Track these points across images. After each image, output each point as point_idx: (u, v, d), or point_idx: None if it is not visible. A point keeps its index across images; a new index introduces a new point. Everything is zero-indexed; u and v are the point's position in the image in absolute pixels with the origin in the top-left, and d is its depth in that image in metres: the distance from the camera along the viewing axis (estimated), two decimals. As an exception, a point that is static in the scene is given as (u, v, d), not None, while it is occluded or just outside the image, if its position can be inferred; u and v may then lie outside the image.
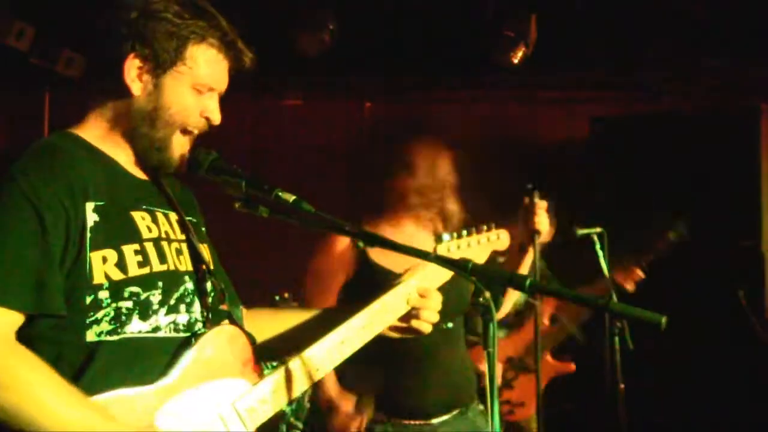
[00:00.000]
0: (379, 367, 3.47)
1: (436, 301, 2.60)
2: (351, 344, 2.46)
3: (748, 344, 5.64)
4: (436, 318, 2.61)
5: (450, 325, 3.40)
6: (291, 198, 2.25)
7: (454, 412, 3.66)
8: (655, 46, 5.97)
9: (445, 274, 2.65)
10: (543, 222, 3.73)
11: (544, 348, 5.21)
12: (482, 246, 2.88)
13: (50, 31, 5.94)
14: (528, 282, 2.04)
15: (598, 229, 5.09)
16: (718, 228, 5.88)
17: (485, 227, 2.92)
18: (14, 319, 2.04)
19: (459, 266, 2.09)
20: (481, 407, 3.83)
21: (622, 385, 5.06)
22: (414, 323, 2.60)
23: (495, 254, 3.86)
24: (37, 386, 1.98)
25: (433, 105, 6.71)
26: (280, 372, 2.33)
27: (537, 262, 3.86)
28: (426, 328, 2.60)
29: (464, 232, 2.83)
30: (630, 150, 6.27)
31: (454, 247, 2.74)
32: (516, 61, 6.08)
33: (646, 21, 5.85)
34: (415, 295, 2.57)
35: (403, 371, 3.59)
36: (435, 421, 3.62)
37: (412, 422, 3.60)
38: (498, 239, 2.95)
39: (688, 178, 5.98)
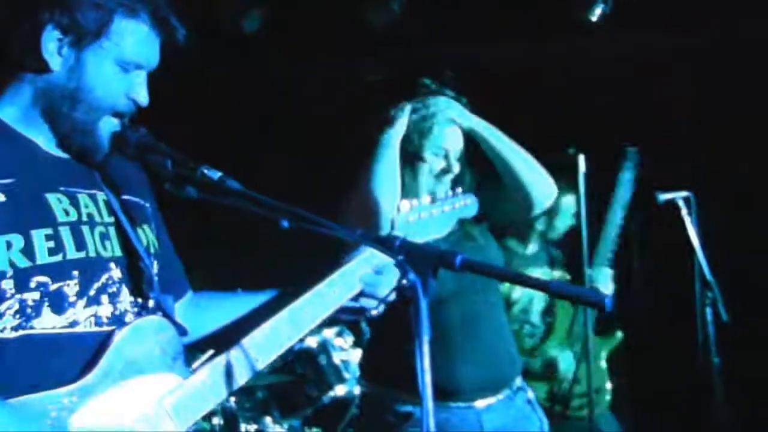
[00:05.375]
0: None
1: (389, 278, 2.35)
2: (296, 329, 2.26)
3: None
4: (387, 296, 2.37)
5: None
6: (217, 175, 2.07)
7: (500, 396, 3.39)
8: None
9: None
10: None
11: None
12: (447, 214, 2.63)
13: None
14: (458, 259, 1.81)
15: (685, 193, 4.74)
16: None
17: (451, 193, 2.68)
18: None
19: (384, 244, 1.87)
20: (531, 394, 3.57)
21: (716, 360, 4.73)
22: (363, 302, 2.38)
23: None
24: None
25: (517, 66, 6.39)
26: (216, 364, 2.13)
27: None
28: (376, 307, 2.39)
29: (426, 200, 2.58)
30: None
31: (414, 216, 2.50)
32: (594, 19, 5.77)
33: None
34: (369, 272, 2.36)
35: (437, 346, 3.36)
36: (479, 404, 3.34)
37: (453, 404, 3.31)
38: (465, 205, 2.70)
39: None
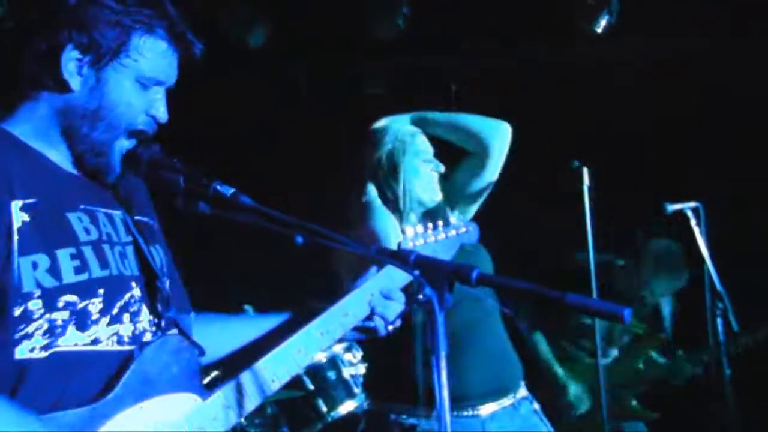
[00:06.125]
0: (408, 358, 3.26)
1: (398, 302, 2.41)
2: (308, 352, 2.29)
3: None
4: (395, 319, 2.43)
5: None
6: (230, 191, 2.07)
7: (504, 403, 3.41)
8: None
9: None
10: None
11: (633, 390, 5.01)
12: (450, 240, 2.73)
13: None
14: (475, 274, 1.80)
15: (693, 204, 4.71)
16: None
17: (453, 219, 2.80)
18: None
19: (400, 259, 1.86)
20: (536, 405, 3.58)
21: (728, 371, 4.70)
22: (377, 322, 2.42)
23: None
24: None
25: (519, 79, 6.38)
26: (232, 385, 2.15)
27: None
28: (384, 329, 2.43)
29: (430, 225, 2.69)
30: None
31: (419, 241, 2.57)
32: (599, 30, 5.77)
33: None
34: (378, 296, 2.39)
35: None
36: (483, 412, 3.37)
37: (458, 412, 3.32)
38: (467, 231, 2.80)
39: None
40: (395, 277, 2.40)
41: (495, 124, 3.64)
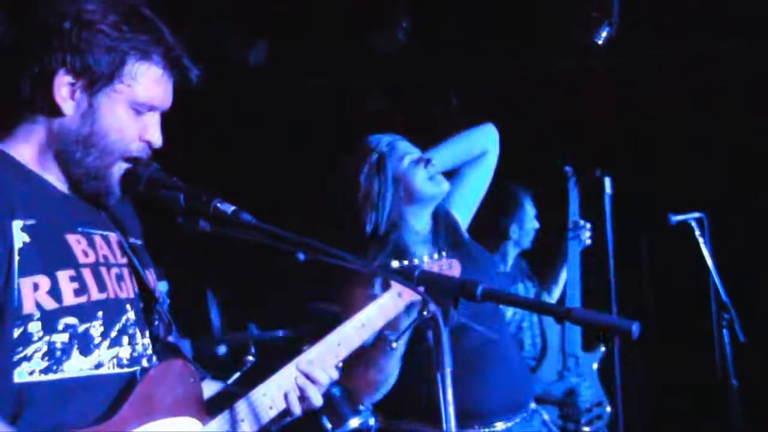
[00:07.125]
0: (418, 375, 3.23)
1: (317, 382, 2.39)
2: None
3: None
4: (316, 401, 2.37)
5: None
6: (230, 209, 2.03)
7: (517, 419, 3.38)
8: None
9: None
10: None
11: None
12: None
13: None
14: (480, 290, 1.77)
15: (697, 214, 4.71)
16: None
17: (436, 256, 2.78)
18: None
19: (404, 275, 1.83)
20: (546, 416, 3.55)
21: (735, 382, 4.67)
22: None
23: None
24: None
25: (520, 91, 6.37)
26: (232, 410, 2.16)
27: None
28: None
29: (416, 260, 2.65)
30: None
31: None
32: (600, 42, 5.75)
33: None
34: (291, 385, 2.32)
35: (457, 372, 3.33)
36: (499, 427, 3.32)
37: (473, 430, 3.29)
38: (449, 267, 2.81)
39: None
40: (326, 355, 2.46)
41: (483, 127, 3.75)
